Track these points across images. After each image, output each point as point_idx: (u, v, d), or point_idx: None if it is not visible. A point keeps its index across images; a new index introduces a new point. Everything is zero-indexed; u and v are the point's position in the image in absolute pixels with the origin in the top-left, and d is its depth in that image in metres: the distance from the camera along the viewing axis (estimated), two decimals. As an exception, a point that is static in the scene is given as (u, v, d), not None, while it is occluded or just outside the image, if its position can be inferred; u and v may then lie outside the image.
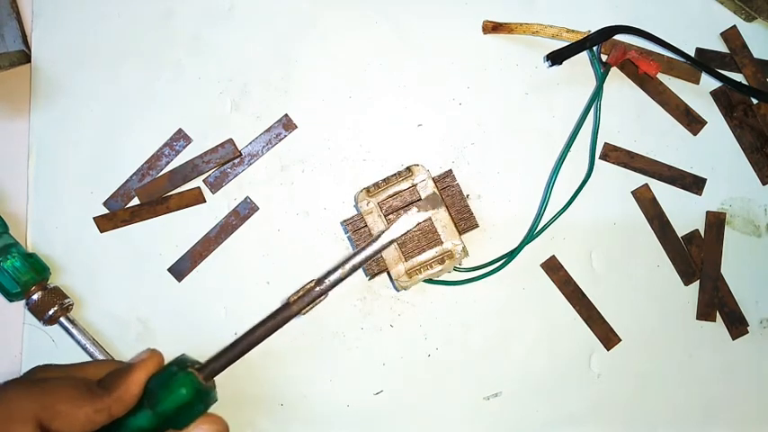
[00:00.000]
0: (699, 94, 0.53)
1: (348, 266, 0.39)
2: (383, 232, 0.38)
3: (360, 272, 0.45)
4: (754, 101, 0.52)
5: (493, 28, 0.52)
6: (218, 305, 0.50)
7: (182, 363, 0.37)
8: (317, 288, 0.39)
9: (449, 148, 0.52)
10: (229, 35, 0.52)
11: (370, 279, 0.50)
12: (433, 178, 0.47)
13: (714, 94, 0.53)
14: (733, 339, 0.51)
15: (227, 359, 0.37)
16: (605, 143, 0.52)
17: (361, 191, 0.47)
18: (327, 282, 0.39)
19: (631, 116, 0.52)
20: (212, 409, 0.37)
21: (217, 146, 0.51)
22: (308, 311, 0.39)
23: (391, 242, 0.38)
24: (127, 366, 0.35)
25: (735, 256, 0.51)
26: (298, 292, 0.39)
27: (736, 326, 0.51)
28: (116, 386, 0.33)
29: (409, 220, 0.37)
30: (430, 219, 0.47)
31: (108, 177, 0.51)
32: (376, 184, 0.47)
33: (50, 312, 0.46)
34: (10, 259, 0.45)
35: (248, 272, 0.51)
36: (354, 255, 0.39)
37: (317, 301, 0.39)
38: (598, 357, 0.51)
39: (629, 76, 0.52)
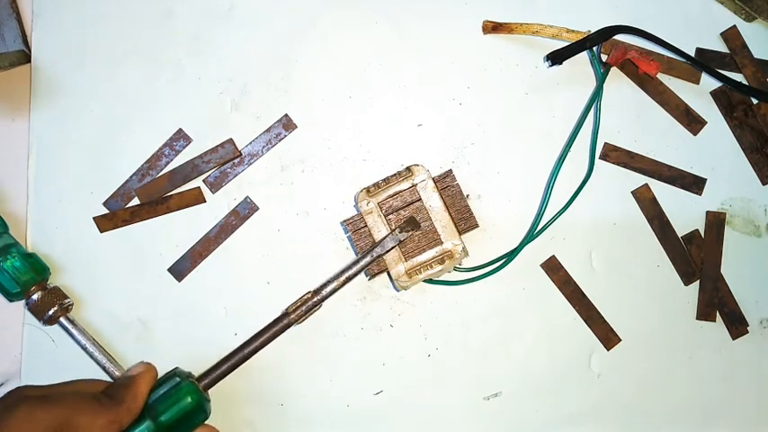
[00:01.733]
0: (699, 94, 0.53)
1: (343, 278, 0.44)
2: (374, 247, 0.45)
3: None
4: (754, 101, 0.52)
5: (493, 28, 0.52)
6: (218, 305, 0.50)
7: (180, 374, 0.37)
8: (315, 298, 0.43)
9: (449, 148, 0.52)
10: (229, 35, 0.52)
11: (370, 279, 0.50)
12: (433, 178, 0.47)
13: (714, 94, 0.53)
14: (733, 339, 0.51)
15: (226, 368, 0.39)
16: (605, 143, 0.52)
17: (361, 191, 0.47)
18: (324, 292, 0.43)
19: (631, 116, 0.52)
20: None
21: (217, 146, 0.51)
22: (303, 320, 0.43)
23: (379, 256, 0.45)
24: (127, 379, 0.35)
25: (735, 256, 0.51)
26: (296, 302, 0.43)
27: (736, 326, 0.51)
28: (124, 397, 0.34)
29: (395, 238, 0.45)
30: (430, 219, 0.47)
31: (108, 177, 0.51)
32: (376, 184, 0.47)
33: (50, 312, 0.46)
34: (10, 259, 0.45)
35: (248, 272, 0.51)
36: (349, 267, 0.44)
37: (313, 310, 0.43)
38: (598, 357, 0.51)
39: (629, 76, 0.52)
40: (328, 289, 0.43)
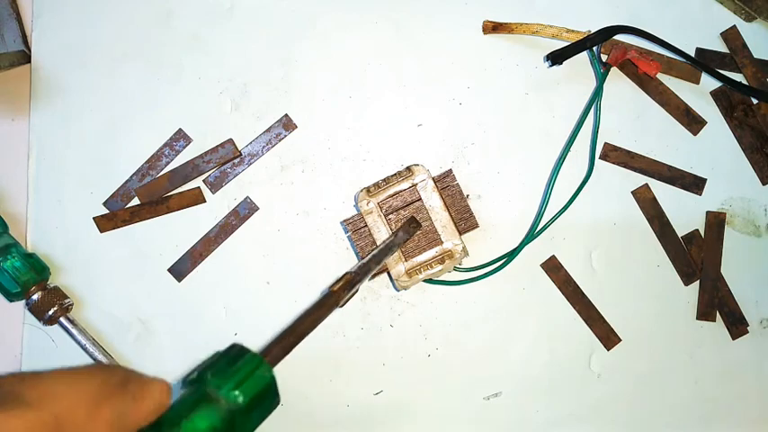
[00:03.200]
0: (699, 94, 0.53)
1: (377, 259, 0.41)
2: (397, 231, 0.45)
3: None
4: (754, 101, 0.52)
5: (493, 28, 0.52)
6: (218, 305, 0.50)
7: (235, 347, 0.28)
8: (356, 277, 0.38)
9: (449, 148, 0.52)
10: (229, 35, 0.52)
11: (370, 279, 0.50)
12: (433, 178, 0.47)
13: (714, 94, 0.53)
14: (733, 339, 0.51)
15: (290, 342, 0.31)
16: (605, 143, 0.52)
17: (362, 191, 0.47)
18: (363, 272, 0.39)
19: (631, 116, 0.52)
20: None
21: (217, 146, 0.51)
22: (345, 303, 0.37)
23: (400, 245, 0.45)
24: (139, 375, 0.26)
25: (735, 256, 0.51)
26: (338, 281, 0.37)
27: (737, 326, 0.51)
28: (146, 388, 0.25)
29: (408, 230, 0.46)
30: (430, 219, 0.47)
31: (108, 177, 0.51)
32: (376, 184, 0.47)
33: (50, 312, 0.46)
34: (10, 259, 0.45)
35: (248, 272, 0.51)
36: (381, 250, 0.42)
37: (354, 291, 0.38)
38: (598, 357, 0.51)
39: (629, 76, 0.52)
40: (367, 268, 0.39)
